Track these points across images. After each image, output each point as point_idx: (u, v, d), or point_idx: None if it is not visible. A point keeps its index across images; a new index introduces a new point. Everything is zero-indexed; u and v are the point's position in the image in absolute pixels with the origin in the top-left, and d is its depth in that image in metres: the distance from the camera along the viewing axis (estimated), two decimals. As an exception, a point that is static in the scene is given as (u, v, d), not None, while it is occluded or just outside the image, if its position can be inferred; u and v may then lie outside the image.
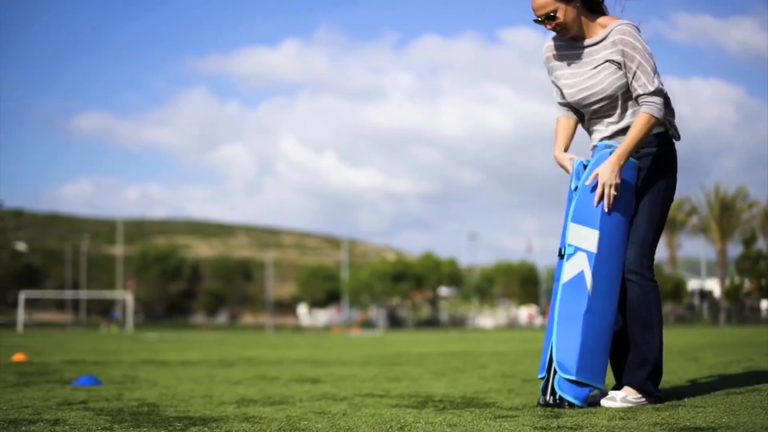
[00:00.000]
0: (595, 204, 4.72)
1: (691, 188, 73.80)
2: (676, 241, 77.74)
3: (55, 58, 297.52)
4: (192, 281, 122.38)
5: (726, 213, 71.03)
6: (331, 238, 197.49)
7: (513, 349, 15.26)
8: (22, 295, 78.88)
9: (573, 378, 4.63)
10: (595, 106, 4.95)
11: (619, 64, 4.80)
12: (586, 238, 4.73)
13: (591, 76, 4.90)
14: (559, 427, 3.95)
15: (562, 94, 5.12)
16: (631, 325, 4.86)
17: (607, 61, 4.83)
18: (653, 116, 4.72)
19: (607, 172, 4.70)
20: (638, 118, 4.74)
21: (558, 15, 4.79)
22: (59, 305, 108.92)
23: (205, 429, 4.15)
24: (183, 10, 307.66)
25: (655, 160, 4.90)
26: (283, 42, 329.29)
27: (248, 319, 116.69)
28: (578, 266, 4.73)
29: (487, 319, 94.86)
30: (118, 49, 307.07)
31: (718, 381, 6.28)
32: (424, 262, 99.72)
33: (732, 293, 68.06)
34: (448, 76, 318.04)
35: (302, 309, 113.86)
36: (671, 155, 4.97)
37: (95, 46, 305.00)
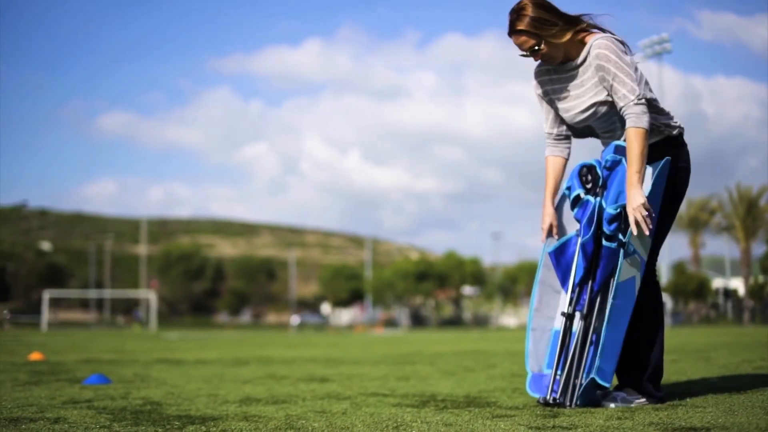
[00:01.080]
0: (634, 232, 4.64)
1: (715, 187, 73.54)
2: (700, 240, 77.30)
3: (79, 58, 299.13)
4: (215, 280, 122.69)
5: (750, 212, 70.61)
6: (355, 237, 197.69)
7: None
8: (46, 295, 79.40)
9: (607, 387, 4.65)
10: (597, 124, 4.97)
11: (602, 80, 4.80)
12: (644, 245, 4.73)
13: (583, 98, 4.90)
14: (554, 426, 3.95)
15: (554, 120, 5.14)
16: (633, 325, 4.86)
17: (591, 80, 4.84)
18: (638, 127, 4.67)
19: (633, 200, 4.63)
20: (627, 136, 4.70)
21: (542, 47, 4.79)
22: (83, 304, 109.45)
23: (203, 428, 4.16)
24: (206, 10, 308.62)
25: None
26: (305, 41, 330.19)
27: (272, 318, 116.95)
28: (633, 270, 4.69)
29: (510, 318, 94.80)
30: (142, 49, 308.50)
31: (725, 381, 6.25)
32: (447, 262, 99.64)
33: (756, 292, 67.69)
34: (472, 75, 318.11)
35: (325, 308, 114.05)
36: (681, 156, 4.95)
37: (119, 46, 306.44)
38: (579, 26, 4.83)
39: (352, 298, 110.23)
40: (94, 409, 5.05)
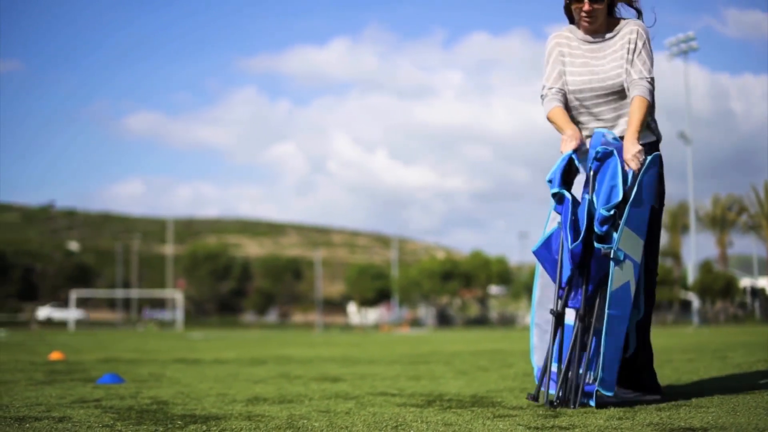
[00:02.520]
0: (633, 168, 4.71)
1: (742, 186, 72.97)
2: (728, 239, 76.80)
3: (106, 58, 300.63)
4: (242, 280, 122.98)
5: (777, 211, 70.11)
6: (381, 236, 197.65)
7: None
8: (74, 294, 79.90)
9: (609, 396, 4.63)
10: (600, 99, 5.06)
11: (626, 51, 5.00)
12: (635, 246, 4.69)
13: (603, 66, 5.06)
14: (553, 426, 3.95)
15: (558, 76, 5.17)
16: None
17: (618, 53, 5.02)
18: (645, 98, 4.86)
19: (629, 149, 4.75)
20: (634, 102, 4.87)
21: (601, 4, 5.02)
22: (110, 304, 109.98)
23: (204, 427, 4.19)
24: (231, 9, 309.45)
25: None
26: (331, 41, 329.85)
27: (298, 317, 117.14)
28: (626, 276, 4.65)
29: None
30: (169, 48, 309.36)
31: (736, 380, 6.22)
32: (473, 261, 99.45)
33: (784, 291, 67.19)
34: (499, 74, 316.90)
35: (352, 307, 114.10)
36: (661, 162, 5.03)
37: (146, 46, 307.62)
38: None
39: (379, 297, 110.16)
40: (101, 408, 5.08)
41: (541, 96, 5.21)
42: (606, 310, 4.61)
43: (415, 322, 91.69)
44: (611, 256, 4.60)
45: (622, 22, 5.11)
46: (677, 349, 12.69)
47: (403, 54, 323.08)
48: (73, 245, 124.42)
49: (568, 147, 4.90)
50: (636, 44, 4.99)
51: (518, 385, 6.57)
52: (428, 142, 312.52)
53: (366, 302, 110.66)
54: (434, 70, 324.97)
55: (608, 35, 5.08)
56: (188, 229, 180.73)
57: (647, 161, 4.74)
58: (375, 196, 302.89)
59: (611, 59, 5.03)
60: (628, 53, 4.99)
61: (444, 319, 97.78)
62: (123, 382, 7.29)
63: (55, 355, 12.39)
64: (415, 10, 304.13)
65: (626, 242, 4.63)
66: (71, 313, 79.48)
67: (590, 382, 4.65)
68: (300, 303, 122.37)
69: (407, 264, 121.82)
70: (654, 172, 4.78)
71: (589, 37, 5.12)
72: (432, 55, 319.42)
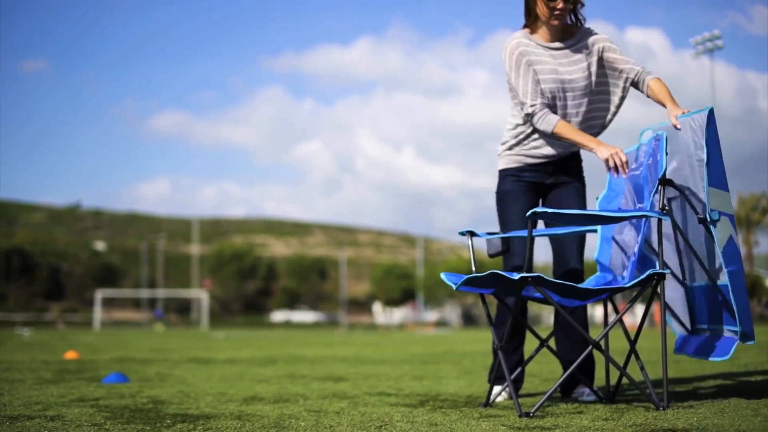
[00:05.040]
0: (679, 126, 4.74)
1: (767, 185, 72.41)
2: (754, 239, 76.27)
3: (132, 58, 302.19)
4: (268, 280, 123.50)
5: (804, 209, 69.60)
6: (407, 236, 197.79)
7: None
8: (99, 294, 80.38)
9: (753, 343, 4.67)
10: (570, 99, 5.17)
11: (598, 59, 5.16)
12: (725, 201, 4.67)
13: (572, 76, 5.15)
14: (535, 427, 3.95)
15: (536, 88, 5.17)
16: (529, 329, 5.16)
17: (585, 62, 5.16)
18: (661, 79, 5.04)
19: (675, 111, 4.79)
20: (655, 82, 5.03)
21: (574, 5, 5.14)
22: (136, 304, 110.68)
23: (190, 426, 4.22)
24: (256, 8, 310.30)
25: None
26: (356, 40, 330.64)
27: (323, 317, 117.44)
28: (727, 231, 4.63)
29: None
30: (194, 48, 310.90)
31: (737, 381, 6.19)
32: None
33: (811, 291, 66.67)
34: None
35: (377, 307, 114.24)
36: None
37: (171, 45, 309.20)
38: None
39: (404, 297, 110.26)
40: (97, 407, 5.12)
41: (529, 114, 5.17)
42: (725, 269, 4.59)
43: (440, 322, 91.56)
44: (708, 219, 4.60)
45: (581, 30, 5.22)
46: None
47: (428, 53, 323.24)
48: (100, 245, 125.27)
49: (620, 158, 4.91)
50: (614, 50, 5.17)
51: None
52: (455, 141, 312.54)
53: (391, 302, 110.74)
54: (460, 68, 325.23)
55: (569, 42, 5.17)
56: (215, 228, 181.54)
57: (705, 120, 4.69)
58: (401, 195, 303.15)
59: (579, 68, 5.14)
60: (601, 59, 5.17)
61: (469, 319, 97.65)
62: (127, 381, 7.34)
63: (70, 355, 12.48)
64: (439, 9, 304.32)
65: (714, 200, 4.64)
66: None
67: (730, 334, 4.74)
68: (325, 303, 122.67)
69: (433, 263, 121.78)
70: (714, 128, 4.71)
71: (549, 43, 5.18)
72: (457, 54, 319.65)
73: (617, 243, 5.13)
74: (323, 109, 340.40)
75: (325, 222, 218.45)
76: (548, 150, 5.26)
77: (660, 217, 4.57)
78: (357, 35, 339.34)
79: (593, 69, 5.14)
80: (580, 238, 5.31)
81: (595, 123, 5.26)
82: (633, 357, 4.79)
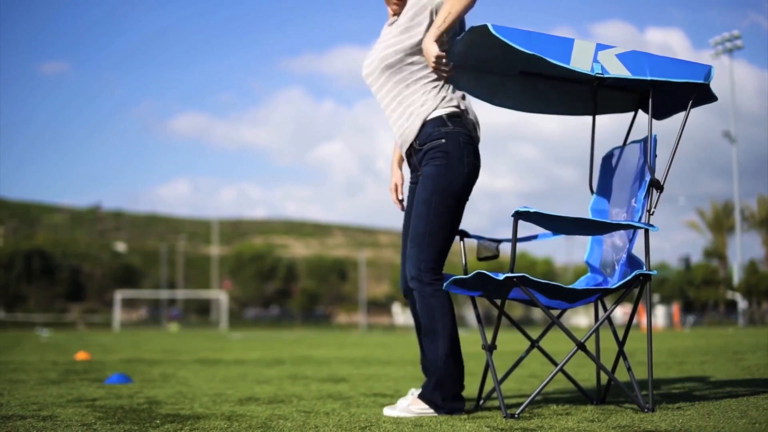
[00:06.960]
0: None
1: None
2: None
3: (152, 60, 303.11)
4: (287, 281, 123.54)
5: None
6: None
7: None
8: (118, 295, 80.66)
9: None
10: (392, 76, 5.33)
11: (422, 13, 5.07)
12: None
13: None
14: (519, 428, 3.96)
15: None
16: (418, 334, 4.90)
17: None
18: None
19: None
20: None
21: None
22: (156, 305, 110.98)
23: (178, 426, 4.24)
24: (276, 10, 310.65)
25: (440, 154, 4.80)
26: (374, 41, 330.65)
27: (342, 318, 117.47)
28: None
29: (581, 318, 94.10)
30: (214, 50, 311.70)
31: (736, 383, 6.17)
32: (519, 261, 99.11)
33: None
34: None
35: (396, 308, 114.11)
36: (456, 146, 4.79)
37: (191, 48, 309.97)
38: None
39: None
40: (91, 407, 5.16)
41: None
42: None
43: (459, 323, 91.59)
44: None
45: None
46: (699, 350, 12.61)
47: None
48: (120, 246, 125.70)
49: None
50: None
51: (516, 386, 6.59)
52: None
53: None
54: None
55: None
56: (235, 230, 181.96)
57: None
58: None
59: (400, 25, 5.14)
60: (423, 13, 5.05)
61: (488, 319, 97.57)
62: (130, 382, 7.38)
63: (81, 356, 12.55)
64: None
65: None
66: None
67: None
68: (345, 304, 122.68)
69: (453, 264, 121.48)
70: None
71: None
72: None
73: (607, 244, 5.12)
74: (343, 111, 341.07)
75: (345, 223, 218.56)
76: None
77: (648, 228, 4.57)
78: (376, 36, 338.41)
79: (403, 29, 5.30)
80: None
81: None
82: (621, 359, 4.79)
